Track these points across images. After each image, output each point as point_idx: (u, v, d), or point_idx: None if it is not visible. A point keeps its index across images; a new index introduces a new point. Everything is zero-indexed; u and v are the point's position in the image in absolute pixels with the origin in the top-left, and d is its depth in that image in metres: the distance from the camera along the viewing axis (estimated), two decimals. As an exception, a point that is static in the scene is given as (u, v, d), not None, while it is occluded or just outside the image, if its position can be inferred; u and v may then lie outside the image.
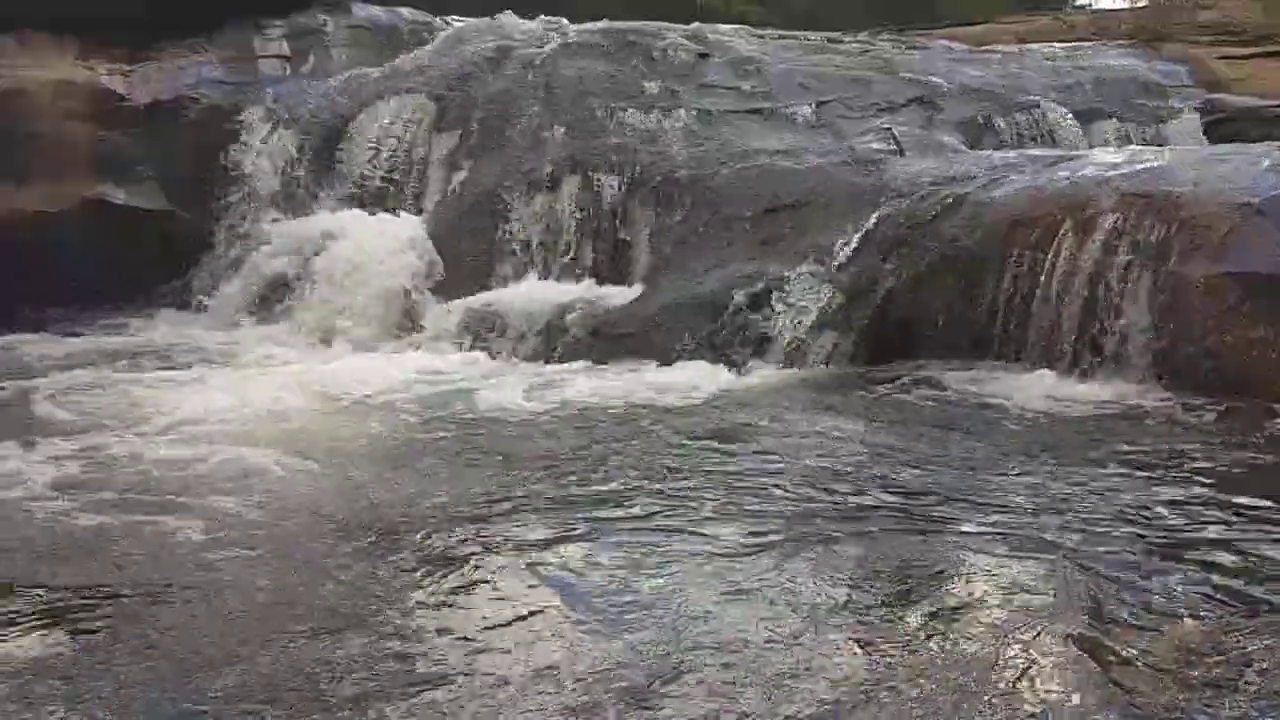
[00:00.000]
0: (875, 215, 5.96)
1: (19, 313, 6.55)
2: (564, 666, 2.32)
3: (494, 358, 5.90)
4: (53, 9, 7.68)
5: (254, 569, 2.88)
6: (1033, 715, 2.09)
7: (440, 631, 2.49)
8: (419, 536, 3.12)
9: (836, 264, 5.79)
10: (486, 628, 2.51)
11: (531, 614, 2.59)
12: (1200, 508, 3.28)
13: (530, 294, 6.42)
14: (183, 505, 3.38)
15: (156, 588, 2.75)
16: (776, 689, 2.20)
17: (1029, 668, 2.25)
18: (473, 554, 2.97)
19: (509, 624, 2.54)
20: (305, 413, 4.58)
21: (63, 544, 3.08)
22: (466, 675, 2.28)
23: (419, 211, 7.28)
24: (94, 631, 2.51)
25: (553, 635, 2.47)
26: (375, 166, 7.48)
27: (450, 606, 2.64)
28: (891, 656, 2.33)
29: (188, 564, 2.93)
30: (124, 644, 2.45)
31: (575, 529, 3.15)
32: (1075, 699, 2.12)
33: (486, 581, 2.79)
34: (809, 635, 2.44)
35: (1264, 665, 2.29)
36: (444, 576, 2.82)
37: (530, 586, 2.76)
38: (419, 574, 2.84)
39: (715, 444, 4.10)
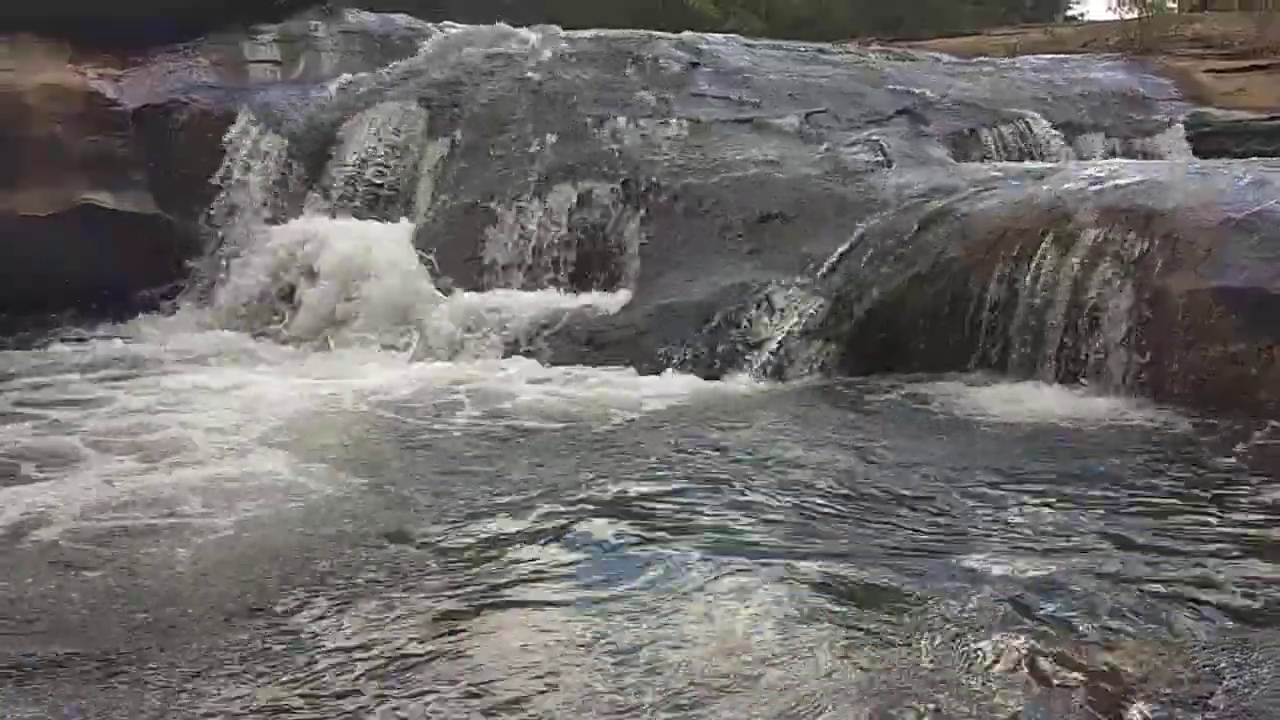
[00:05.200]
0: (862, 226, 6.00)
1: (3, 317, 6.55)
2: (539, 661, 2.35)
3: (483, 364, 5.91)
4: (45, 8, 7.69)
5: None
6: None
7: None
8: (400, 541, 3.16)
9: (823, 274, 5.83)
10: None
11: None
12: (1176, 522, 3.31)
13: (519, 301, 6.44)
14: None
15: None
16: (723, 695, 2.23)
17: (989, 684, 2.27)
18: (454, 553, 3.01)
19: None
20: (297, 421, 4.60)
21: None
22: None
23: (409, 218, 7.29)
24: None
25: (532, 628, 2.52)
26: (366, 173, 7.48)
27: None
28: (849, 672, 2.36)
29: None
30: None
31: (553, 536, 3.18)
32: (1041, 712, 2.15)
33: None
34: (760, 646, 2.47)
35: (1234, 683, 2.32)
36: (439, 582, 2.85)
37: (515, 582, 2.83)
38: (419, 580, 2.87)
39: (699, 453, 4.12)
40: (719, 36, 9.26)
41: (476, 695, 2.29)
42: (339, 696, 2.31)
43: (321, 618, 2.69)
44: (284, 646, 2.55)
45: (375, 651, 2.51)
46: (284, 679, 2.39)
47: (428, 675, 2.38)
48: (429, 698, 2.28)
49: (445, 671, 2.39)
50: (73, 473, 3.89)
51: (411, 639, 2.56)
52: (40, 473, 3.91)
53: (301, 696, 2.32)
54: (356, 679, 2.38)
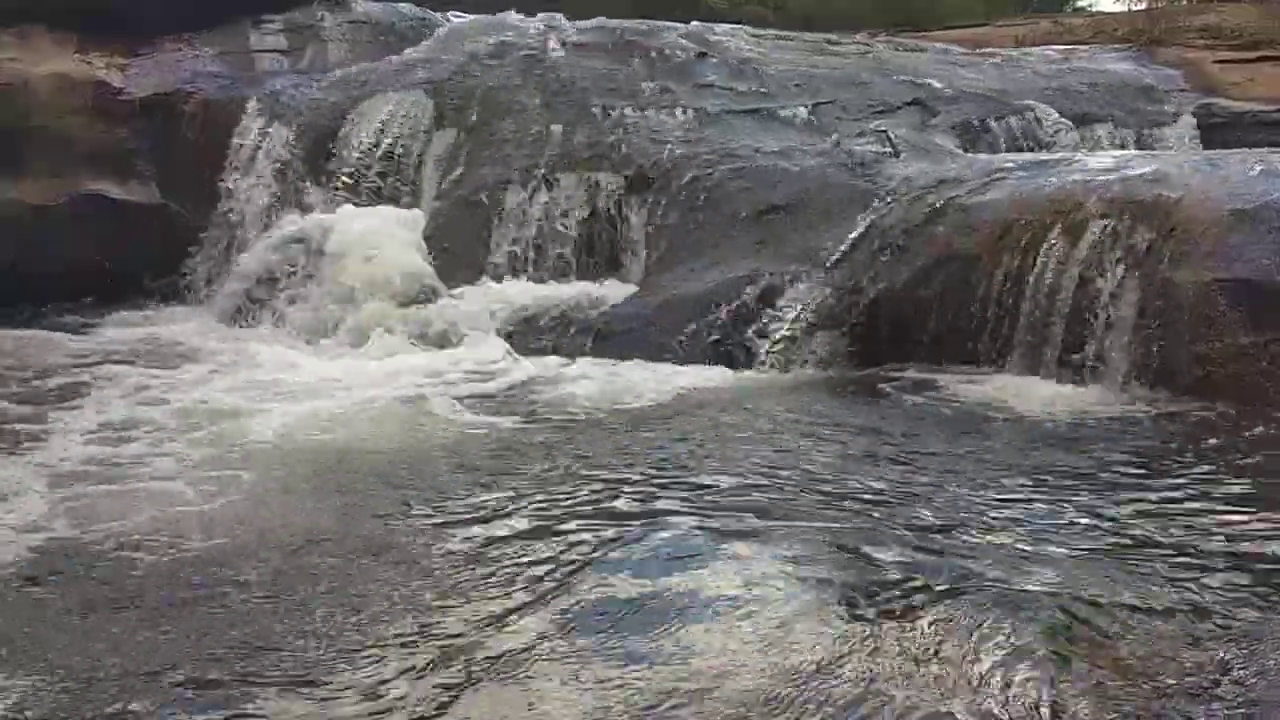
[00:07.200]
0: (869, 217, 5.99)
1: (13, 307, 6.57)
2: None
3: (487, 355, 5.91)
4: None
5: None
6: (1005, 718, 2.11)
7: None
8: (407, 542, 3.17)
9: (830, 265, 5.82)
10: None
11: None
12: (1182, 514, 3.30)
13: (526, 292, 6.44)
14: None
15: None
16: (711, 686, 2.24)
17: (1000, 671, 2.27)
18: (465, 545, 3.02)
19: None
20: (299, 413, 4.60)
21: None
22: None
23: (416, 207, 7.29)
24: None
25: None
26: (372, 162, 7.47)
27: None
28: (851, 659, 2.36)
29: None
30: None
31: (560, 530, 3.19)
32: (1049, 703, 2.15)
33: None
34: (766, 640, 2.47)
35: (1241, 672, 2.32)
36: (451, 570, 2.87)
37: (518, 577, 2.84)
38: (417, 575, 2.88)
39: (705, 446, 4.12)
40: (726, 27, 9.24)
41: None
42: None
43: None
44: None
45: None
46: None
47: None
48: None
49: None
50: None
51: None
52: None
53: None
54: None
